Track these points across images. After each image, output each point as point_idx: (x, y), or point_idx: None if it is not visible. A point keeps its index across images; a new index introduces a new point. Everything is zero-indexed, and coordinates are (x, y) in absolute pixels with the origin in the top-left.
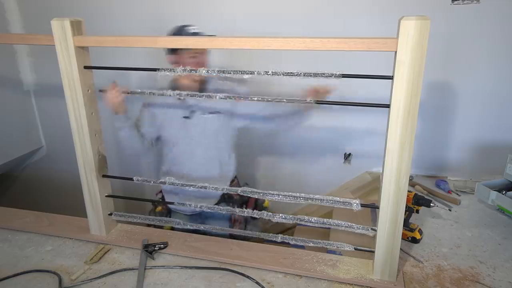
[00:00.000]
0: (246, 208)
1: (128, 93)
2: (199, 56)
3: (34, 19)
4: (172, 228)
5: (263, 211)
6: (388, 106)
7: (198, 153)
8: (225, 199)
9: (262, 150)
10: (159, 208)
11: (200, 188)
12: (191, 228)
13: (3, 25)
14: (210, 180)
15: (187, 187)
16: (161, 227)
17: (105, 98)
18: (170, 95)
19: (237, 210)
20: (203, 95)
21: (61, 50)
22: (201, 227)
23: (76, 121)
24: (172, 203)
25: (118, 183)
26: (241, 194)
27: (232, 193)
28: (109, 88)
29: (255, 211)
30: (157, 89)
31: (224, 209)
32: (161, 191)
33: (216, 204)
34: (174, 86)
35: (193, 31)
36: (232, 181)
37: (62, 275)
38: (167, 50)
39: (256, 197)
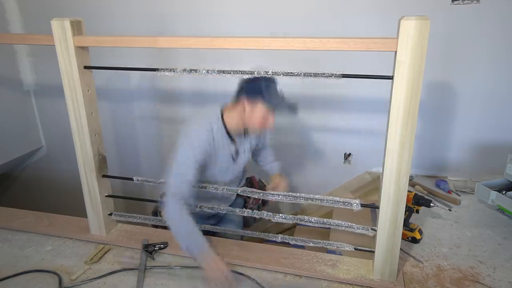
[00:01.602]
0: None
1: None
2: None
3: (34, 19)
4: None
5: (263, 211)
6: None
7: (227, 179)
8: (246, 185)
9: None
10: None
11: (200, 188)
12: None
13: (3, 25)
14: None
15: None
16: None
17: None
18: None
19: (237, 210)
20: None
21: (61, 50)
22: (201, 227)
23: (76, 121)
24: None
25: (118, 183)
26: (241, 194)
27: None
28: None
29: (255, 211)
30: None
31: (224, 209)
32: None
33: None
34: (235, 129)
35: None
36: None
37: (62, 275)
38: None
39: (256, 197)
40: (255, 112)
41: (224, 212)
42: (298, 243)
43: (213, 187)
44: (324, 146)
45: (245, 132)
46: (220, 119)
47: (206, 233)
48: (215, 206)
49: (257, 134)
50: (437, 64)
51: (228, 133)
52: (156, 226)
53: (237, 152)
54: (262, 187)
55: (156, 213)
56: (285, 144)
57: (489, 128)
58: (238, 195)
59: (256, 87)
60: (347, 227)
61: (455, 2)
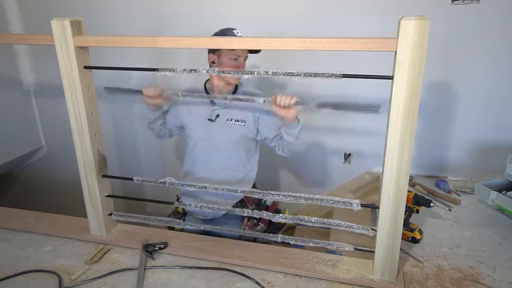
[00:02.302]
0: (260, 223)
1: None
2: (239, 59)
3: (34, 19)
4: (182, 230)
5: (263, 211)
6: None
7: (216, 158)
8: (237, 206)
9: (260, 149)
10: (180, 208)
11: (201, 188)
12: (191, 228)
13: (3, 25)
14: (226, 185)
15: (195, 190)
16: (173, 228)
17: (145, 98)
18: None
19: (237, 210)
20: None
21: (61, 50)
22: (201, 227)
23: (76, 121)
24: (171, 203)
25: (118, 183)
26: (243, 193)
27: (248, 199)
28: (148, 90)
29: (255, 211)
30: (190, 90)
31: (224, 209)
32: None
33: (227, 214)
34: (208, 86)
35: (238, 35)
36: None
37: (62, 275)
38: (208, 49)
39: (256, 197)
40: (221, 59)
41: (225, 212)
42: (298, 243)
43: (213, 187)
44: (324, 146)
45: (233, 92)
46: (204, 82)
47: (205, 233)
48: (215, 206)
49: (236, 84)
50: (437, 64)
51: (206, 90)
52: (171, 228)
53: (217, 115)
54: (260, 206)
55: (170, 215)
56: None
57: (489, 128)
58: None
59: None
60: (347, 227)
61: (455, 2)
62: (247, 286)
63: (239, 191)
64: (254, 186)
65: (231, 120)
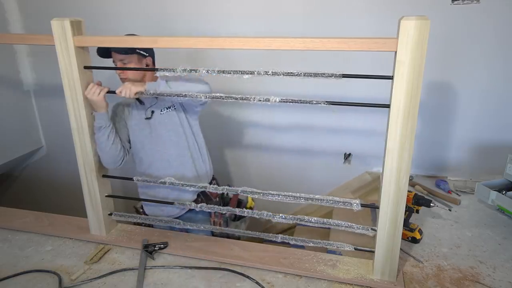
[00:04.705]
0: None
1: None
2: (119, 62)
3: (34, 19)
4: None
5: (263, 211)
6: (388, 106)
7: (167, 151)
8: (202, 200)
9: (260, 149)
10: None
11: (201, 188)
12: (188, 228)
13: (3, 25)
14: (185, 180)
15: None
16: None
17: (86, 94)
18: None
19: (237, 210)
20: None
21: (61, 50)
22: (201, 227)
23: (76, 121)
24: (172, 203)
25: (118, 183)
26: (225, 192)
27: (211, 192)
28: (90, 86)
29: (255, 211)
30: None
31: (224, 209)
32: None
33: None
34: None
35: None
36: (209, 183)
37: (62, 275)
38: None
39: (256, 197)
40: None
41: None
42: (298, 243)
43: (213, 187)
44: (324, 146)
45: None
46: None
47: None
48: (215, 206)
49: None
50: (437, 64)
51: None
52: (144, 225)
53: (152, 112)
54: (222, 199)
55: (137, 210)
56: (284, 144)
57: (489, 128)
58: (199, 197)
59: None
60: (347, 227)
61: (455, 2)
62: (247, 286)
63: (239, 190)
64: (213, 178)
65: (164, 109)
